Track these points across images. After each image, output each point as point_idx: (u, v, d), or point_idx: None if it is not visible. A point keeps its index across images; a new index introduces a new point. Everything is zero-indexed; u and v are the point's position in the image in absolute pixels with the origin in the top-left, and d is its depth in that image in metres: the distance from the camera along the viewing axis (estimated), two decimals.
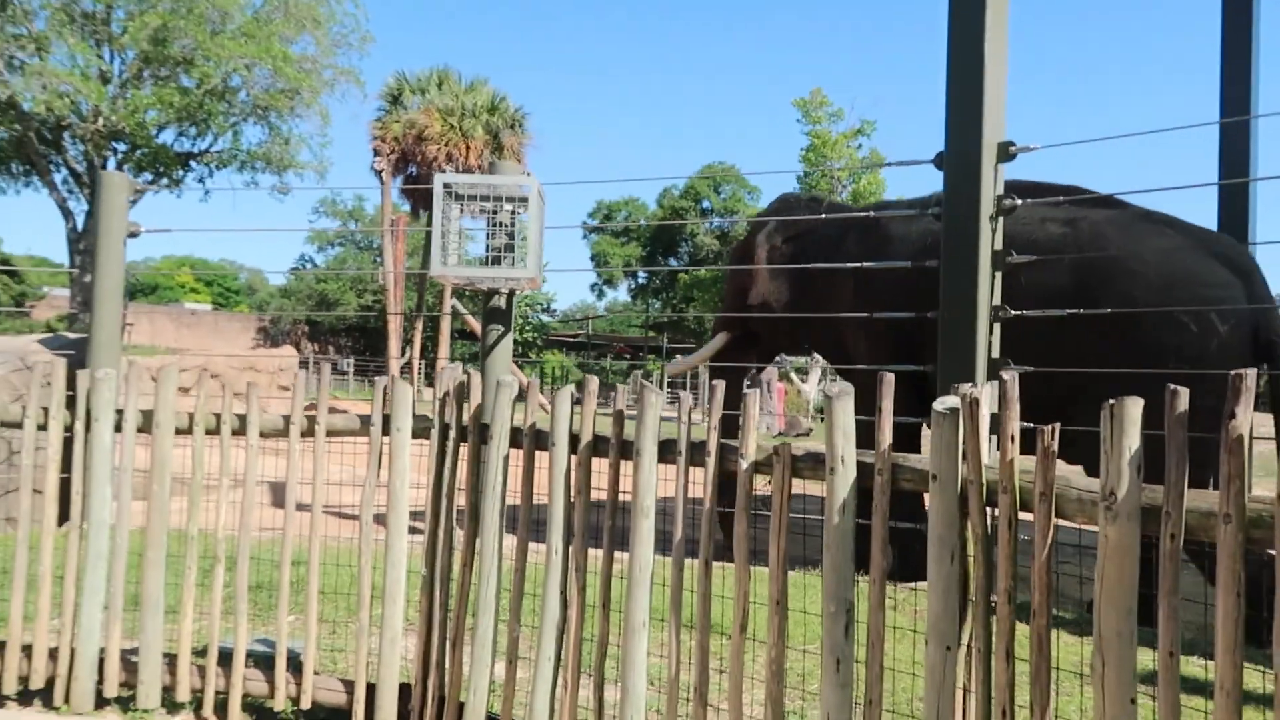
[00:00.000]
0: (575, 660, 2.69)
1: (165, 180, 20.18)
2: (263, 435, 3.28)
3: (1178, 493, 1.69)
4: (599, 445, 2.71)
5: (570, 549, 2.72)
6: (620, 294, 55.24)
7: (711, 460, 2.47)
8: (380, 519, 3.08)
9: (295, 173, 20.62)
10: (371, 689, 3.09)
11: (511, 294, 5.98)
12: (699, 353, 7.65)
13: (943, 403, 2.05)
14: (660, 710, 2.68)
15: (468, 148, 19.89)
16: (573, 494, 2.72)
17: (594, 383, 2.75)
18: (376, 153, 20.51)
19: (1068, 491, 1.88)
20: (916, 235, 5.91)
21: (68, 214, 19.86)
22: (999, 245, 5.01)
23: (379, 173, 20.31)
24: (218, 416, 3.33)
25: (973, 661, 2.00)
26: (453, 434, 3.03)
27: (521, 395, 2.88)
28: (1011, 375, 1.98)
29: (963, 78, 5.01)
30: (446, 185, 5.50)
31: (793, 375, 28.03)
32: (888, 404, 2.17)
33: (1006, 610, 1.93)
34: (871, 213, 6.29)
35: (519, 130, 20.98)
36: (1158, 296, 4.75)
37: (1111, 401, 1.75)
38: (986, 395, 2.01)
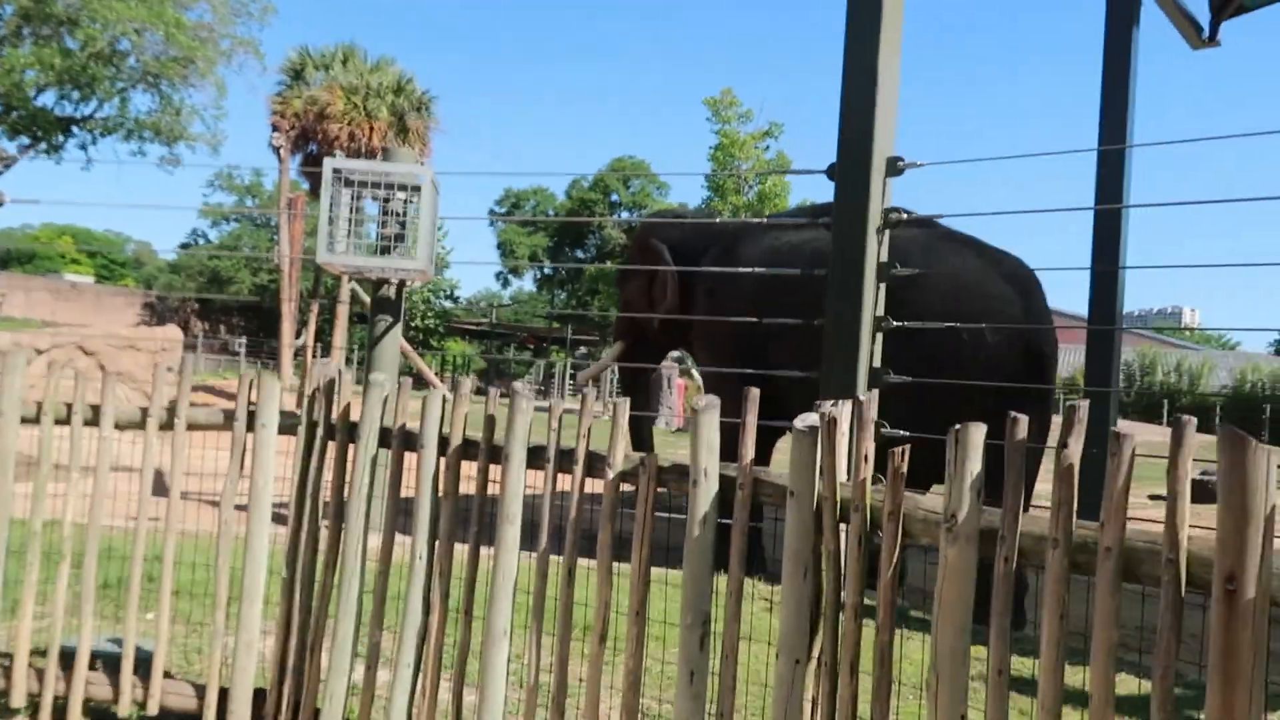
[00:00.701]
0: (435, 667, 2.64)
1: (44, 146, 19.09)
2: (119, 428, 3.12)
3: (1013, 517, 1.75)
4: (469, 449, 2.67)
5: (435, 554, 2.67)
6: (526, 283, 54.86)
7: (578, 468, 2.45)
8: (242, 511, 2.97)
9: (186, 145, 19.76)
10: (225, 694, 2.98)
11: (401, 284, 5.87)
12: (601, 360, 7.89)
13: (803, 420, 2.08)
14: (520, 718, 2.66)
15: (371, 128, 19.38)
16: (441, 495, 2.67)
17: (467, 384, 2.70)
18: (275, 128, 19.80)
19: (915, 511, 1.93)
20: (761, 251, 6.27)
21: None
22: (884, 257, 5.13)
23: (277, 149, 19.62)
24: (69, 406, 3.15)
25: (821, 675, 2.04)
26: (320, 432, 2.94)
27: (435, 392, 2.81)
28: (869, 397, 2.02)
29: (856, 92, 5.11)
30: (337, 170, 5.35)
31: (693, 371, 28.28)
32: (751, 418, 2.20)
33: (852, 626, 1.97)
34: (763, 220, 6.51)
35: (425, 114, 20.55)
36: (944, 307, 5.16)
37: (957, 427, 1.80)
38: (845, 414, 2.05)
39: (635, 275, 7.01)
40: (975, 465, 1.78)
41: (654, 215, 8.00)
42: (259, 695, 2.99)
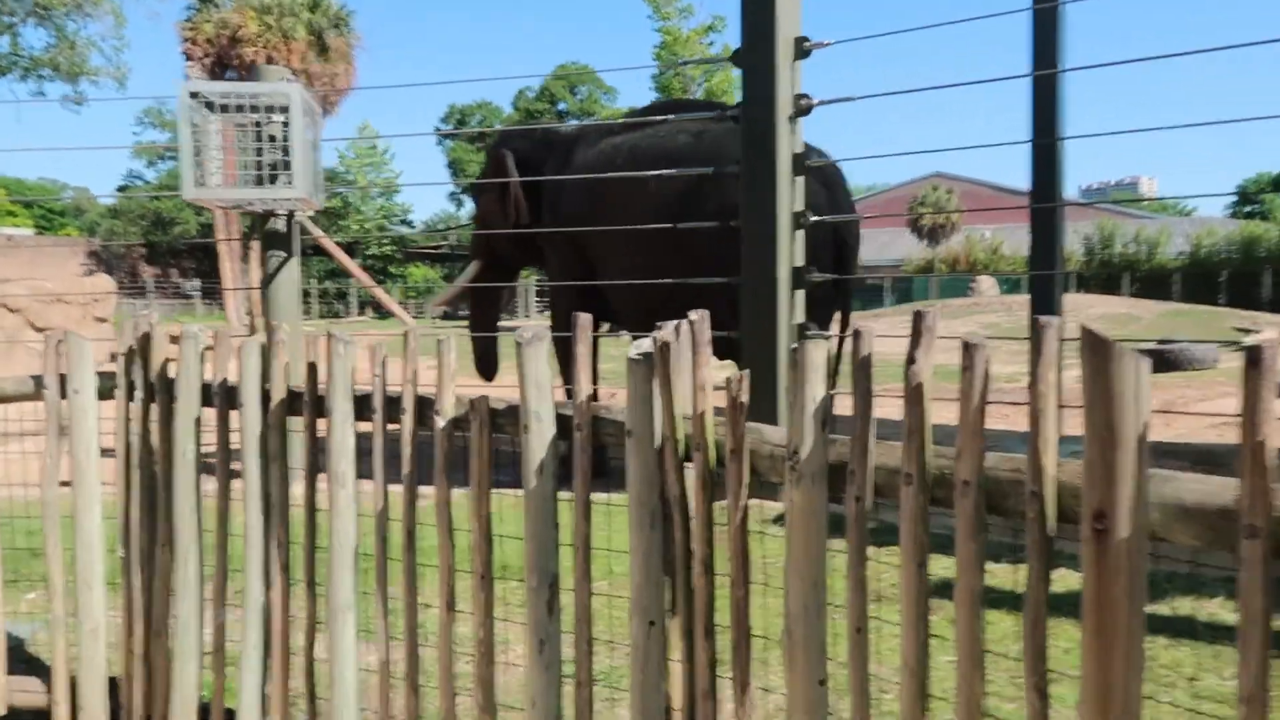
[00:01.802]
0: (282, 646, 2.37)
1: None
2: None
3: (862, 447, 1.47)
4: (295, 402, 2.35)
5: (270, 522, 2.37)
6: None
7: (407, 418, 2.14)
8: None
9: (89, 80, 18.63)
10: (75, 686, 2.71)
11: (291, 215, 5.44)
12: (456, 283, 7.73)
13: (637, 348, 1.77)
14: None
15: (289, 49, 18.37)
16: (269, 459, 2.37)
17: (283, 330, 2.36)
18: (188, 56, 18.75)
19: (760, 447, 1.65)
20: (592, 156, 6.22)
21: None
22: (799, 148, 4.78)
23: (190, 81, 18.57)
24: None
25: (679, 636, 1.79)
26: (139, 394, 2.60)
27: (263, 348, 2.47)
28: (701, 315, 1.71)
29: None
30: (194, 94, 4.87)
31: None
32: (584, 347, 1.89)
33: (702, 582, 1.71)
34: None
35: (344, 29, 19.50)
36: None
37: (794, 347, 1.51)
38: (684, 338, 1.74)
39: (487, 190, 6.84)
40: (817, 390, 1.49)
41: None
42: (114, 685, 2.73)
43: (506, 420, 2.03)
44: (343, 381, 2.20)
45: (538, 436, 1.91)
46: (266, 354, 2.35)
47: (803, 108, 4.77)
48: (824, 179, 5.49)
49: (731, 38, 35.53)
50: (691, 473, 1.72)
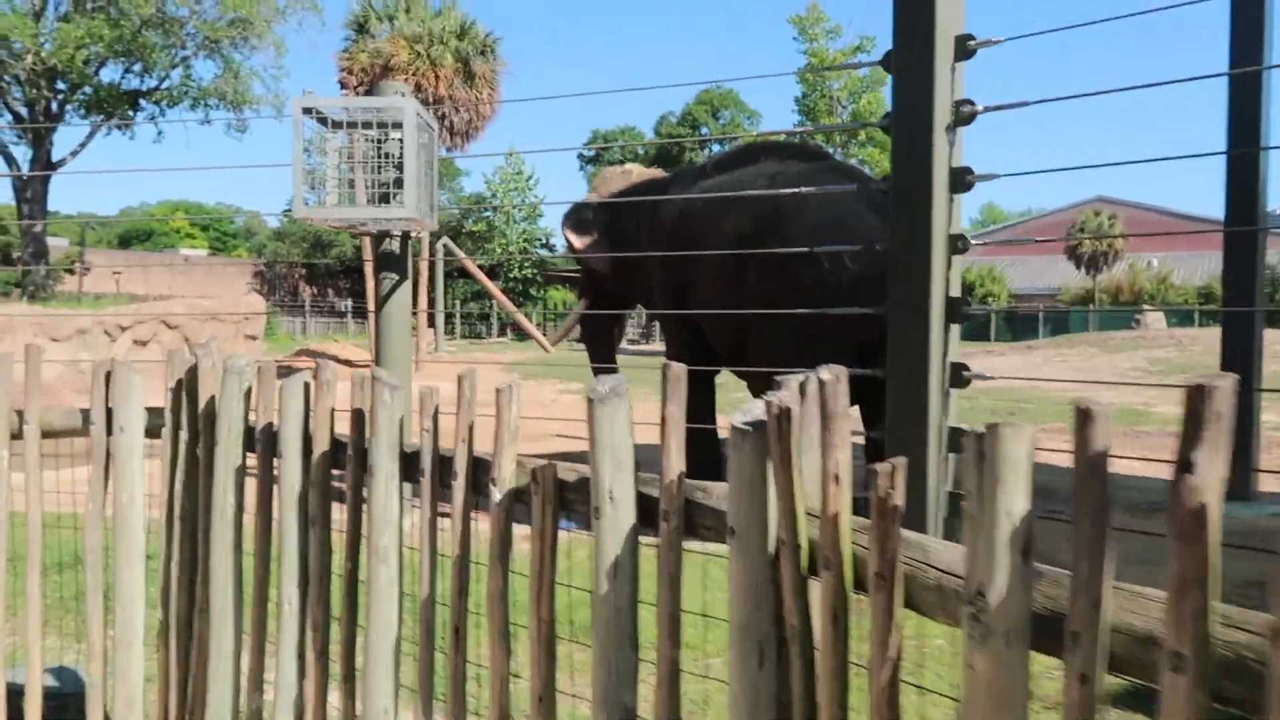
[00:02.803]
0: None
1: (115, 121, 19.13)
2: None
3: (1091, 595, 0.92)
4: (338, 455, 1.96)
5: (308, 599, 1.98)
6: None
7: (459, 484, 1.71)
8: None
9: (252, 109, 19.51)
10: None
11: (406, 237, 5.20)
12: (570, 318, 8.58)
13: (745, 414, 1.27)
14: None
15: (437, 76, 18.73)
16: (310, 520, 1.98)
17: (328, 369, 1.97)
18: (343, 85, 19.40)
19: (922, 573, 1.11)
20: (683, 200, 6.24)
21: (10, 160, 18.90)
22: (958, 161, 4.17)
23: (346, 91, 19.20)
24: None
25: None
26: (184, 435, 2.28)
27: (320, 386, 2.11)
28: (837, 376, 1.20)
29: None
30: (307, 110, 4.68)
31: None
32: (676, 409, 1.40)
33: None
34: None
35: (491, 56, 19.76)
36: (811, 238, 5.14)
37: (978, 432, 0.98)
38: (811, 404, 1.23)
39: (588, 230, 7.01)
40: (1017, 501, 0.96)
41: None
42: None
43: (576, 496, 1.56)
44: (388, 435, 1.79)
45: (611, 525, 1.43)
46: (309, 394, 1.98)
47: (965, 115, 4.15)
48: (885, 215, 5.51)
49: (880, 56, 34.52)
50: (818, 595, 1.20)
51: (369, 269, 20.52)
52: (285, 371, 2.10)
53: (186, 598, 2.26)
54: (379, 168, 4.77)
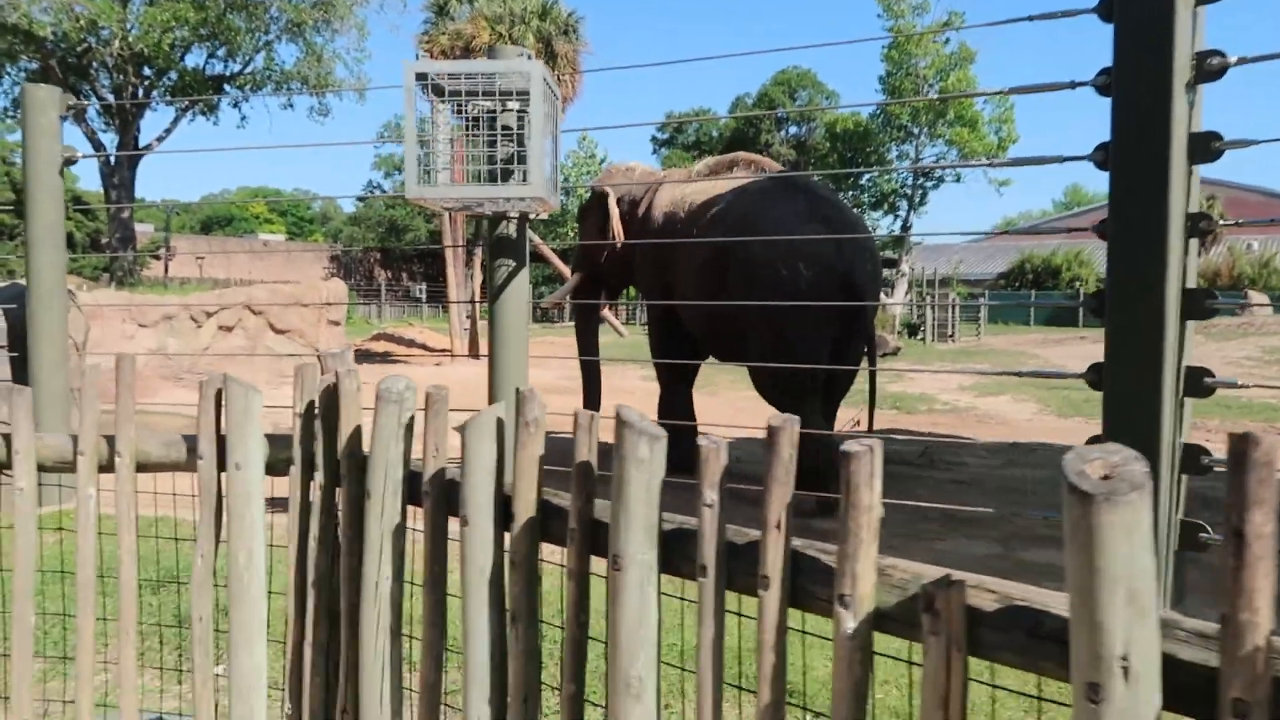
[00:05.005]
0: None
1: (200, 106, 19.07)
2: (43, 469, 2.03)
3: None
4: (550, 523, 1.38)
5: None
6: None
7: (774, 595, 1.11)
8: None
9: (333, 94, 19.27)
10: None
11: (524, 218, 4.65)
12: (560, 291, 8.80)
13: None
14: None
15: None
16: (509, 614, 1.41)
17: (535, 402, 1.39)
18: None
19: None
20: (669, 197, 7.17)
21: (99, 146, 18.98)
22: (1199, 125, 3.46)
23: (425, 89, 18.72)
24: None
25: None
26: (318, 479, 1.73)
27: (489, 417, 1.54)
28: None
29: None
30: (421, 76, 4.14)
31: None
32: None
33: None
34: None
35: (573, 37, 19.16)
36: (765, 251, 5.91)
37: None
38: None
39: (590, 218, 7.81)
40: None
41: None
42: None
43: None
44: (645, 510, 1.20)
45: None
46: (502, 435, 1.40)
47: (1211, 69, 3.43)
48: (831, 229, 6.06)
49: (969, 34, 33.05)
50: None
51: (448, 254, 20.19)
52: (360, 357, 1.53)
53: (322, 694, 1.71)
54: (493, 141, 4.22)
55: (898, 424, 10.37)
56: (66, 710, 2.54)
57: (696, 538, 1.17)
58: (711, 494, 1.15)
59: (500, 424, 1.42)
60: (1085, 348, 23.64)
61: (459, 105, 4.30)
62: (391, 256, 51.30)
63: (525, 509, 1.37)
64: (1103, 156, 3.70)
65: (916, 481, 6.70)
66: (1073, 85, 4.32)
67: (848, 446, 1.02)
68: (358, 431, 1.68)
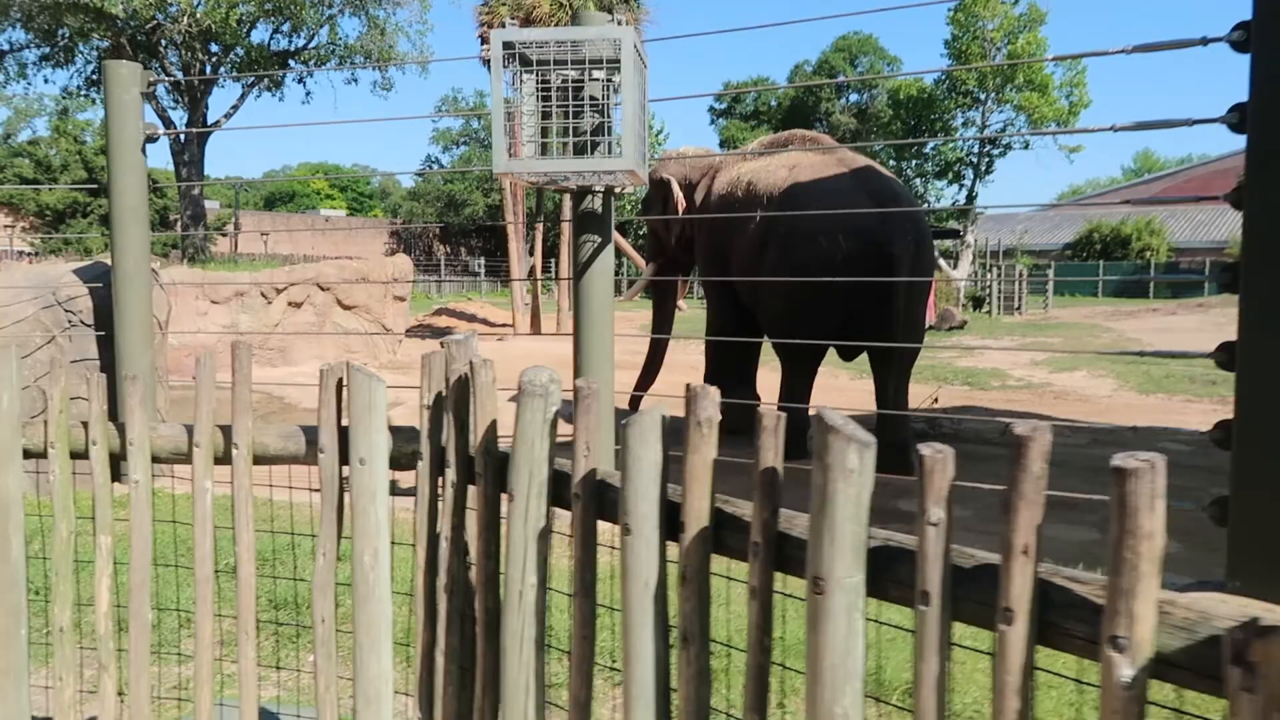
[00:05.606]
0: None
1: (266, 83, 19.23)
2: (156, 460, 1.95)
3: None
4: (725, 534, 1.25)
5: None
6: None
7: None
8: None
9: (397, 68, 19.23)
10: None
11: (609, 192, 4.51)
12: (639, 282, 9.45)
13: None
14: None
15: None
16: (682, 637, 1.28)
17: (709, 400, 1.25)
18: (483, 40, 18.89)
19: None
20: (728, 179, 7.41)
21: (169, 124, 19.22)
22: None
23: (487, 62, 18.61)
24: (86, 430, 2.01)
25: None
26: (450, 476, 1.62)
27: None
28: None
29: None
30: (508, 45, 4.00)
31: (940, 262, 25.10)
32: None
33: None
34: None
35: (634, 5, 18.91)
36: (813, 222, 6.12)
37: None
38: None
39: (655, 206, 8.04)
40: None
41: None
42: None
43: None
44: (853, 531, 1.06)
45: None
46: (665, 435, 1.27)
47: None
48: (878, 201, 6.20)
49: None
50: None
51: (510, 230, 20.17)
52: (428, 333, 1.40)
53: (456, 705, 1.61)
54: (578, 112, 4.07)
55: (971, 401, 10.05)
56: (170, 702, 2.49)
57: (913, 559, 1.03)
58: (938, 511, 1.00)
59: (664, 420, 1.29)
60: (1160, 319, 22.86)
61: (543, 76, 4.15)
62: (450, 231, 51.61)
63: (697, 519, 1.23)
64: (1239, 118, 3.42)
65: (1000, 462, 6.46)
66: (1204, 41, 4.02)
67: (1123, 461, 0.87)
68: (494, 426, 1.56)
